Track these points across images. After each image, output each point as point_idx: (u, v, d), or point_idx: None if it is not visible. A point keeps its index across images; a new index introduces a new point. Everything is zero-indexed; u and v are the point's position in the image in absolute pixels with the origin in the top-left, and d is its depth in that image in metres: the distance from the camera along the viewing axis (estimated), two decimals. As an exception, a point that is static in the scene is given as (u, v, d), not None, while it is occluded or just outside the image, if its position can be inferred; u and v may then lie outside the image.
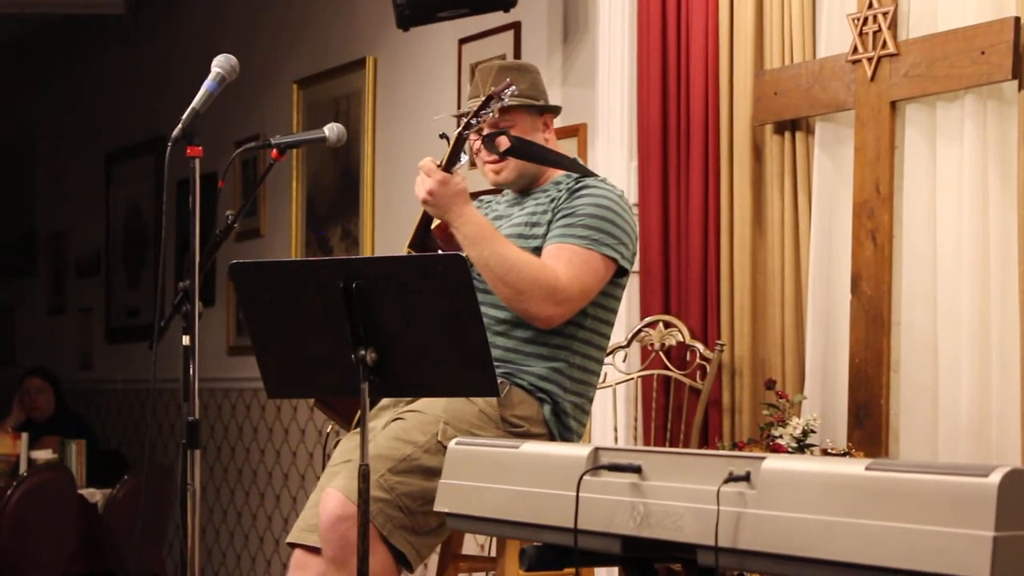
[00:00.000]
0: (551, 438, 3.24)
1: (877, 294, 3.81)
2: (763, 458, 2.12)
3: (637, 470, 2.28)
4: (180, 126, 2.84)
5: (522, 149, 3.31)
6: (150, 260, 7.89)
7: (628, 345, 4.43)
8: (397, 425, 3.18)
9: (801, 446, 3.77)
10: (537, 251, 3.25)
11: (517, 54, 5.04)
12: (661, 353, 4.36)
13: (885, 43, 3.81)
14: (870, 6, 3.85)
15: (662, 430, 4.38)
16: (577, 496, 2.31)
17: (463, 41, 5.35)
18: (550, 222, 3.28)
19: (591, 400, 3.37)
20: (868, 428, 3.79)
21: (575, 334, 3.28)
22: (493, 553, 3.48)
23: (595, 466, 2.34)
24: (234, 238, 6.52)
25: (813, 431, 3.80)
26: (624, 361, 4.45)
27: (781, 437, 3.79)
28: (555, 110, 3.49)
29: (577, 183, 3.31)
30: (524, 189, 3.43)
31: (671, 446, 4.27)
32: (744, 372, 4.19)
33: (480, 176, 3.54)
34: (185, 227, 2.85)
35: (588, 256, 3.21)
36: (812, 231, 4.03)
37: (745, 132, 4.23)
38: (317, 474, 5.09)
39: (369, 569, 2.70)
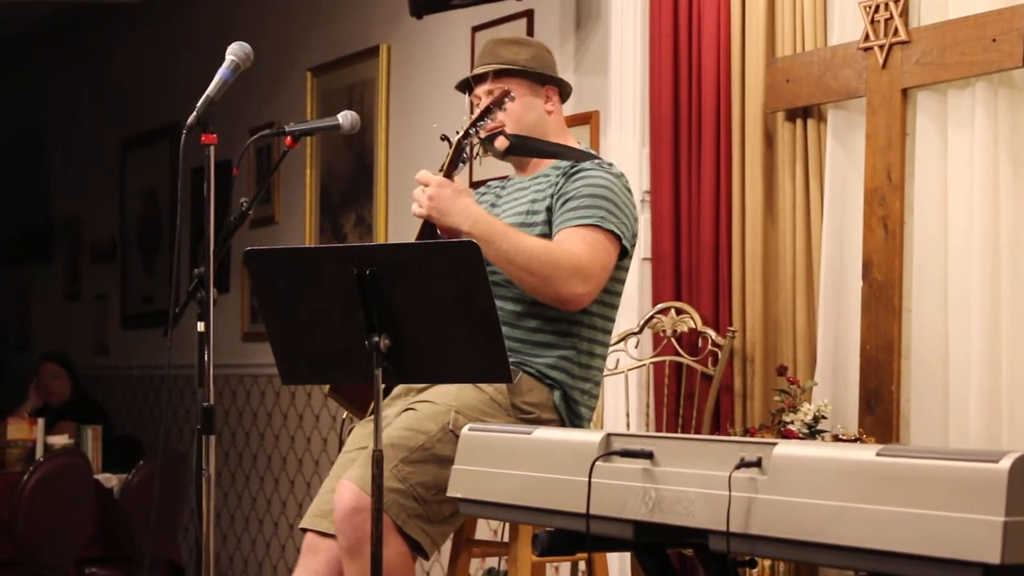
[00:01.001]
0: (562, 424, 3.25)
1: (888, 281, 3.82)
2: (774, 444, 2.13)
3: (649, 456, 2.29)
4: (195, 113, 2.85)
5: (520, 146, 3.33)
6: (165, 247, 7.91)
7: (640, 331, 4.45)
8: (409, 415, 3.19)
9: (812, 432, 3.78)
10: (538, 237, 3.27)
11: (530, 42, 5.04)
12: (673, 339, 4.37)
13: (897, 30, 3.81)
14: (882, -7, 3.85)
15: (674, 416, 4.39)
16: (589, 482, 2.32)
17: (476, 29, 5.36)
18: (549, 208, 3.30)
19: (599, 384, 3.39)
20: (879, 414, 3.80)
21: (582, 320, 3.29)
22: (506, 538, 3.50)
23: (607, 452, 2.35)
24: (248, 225, 6.47)
25: (824, 417, 3.81)
26: (636, 347, 4.46)
27: (792, 423, 3.80)
28: (558, 83, 3.48)
29: (573, 167, 3.32)
30: (523, 166, 3.45)
31: (683, 432, 4.28)
32: (756, 358, 4.20)
33: (482, 172, 3.56)
34: (200, 214, 2.87)
35: (598, 234, 3.22)
36: (824, 218, 4.03)
37: (757, 119, 4.23)
38: (331, 459, 5.11)
39: (385, 559, 2.72)
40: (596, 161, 3.37)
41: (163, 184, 7.93)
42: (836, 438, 3.75)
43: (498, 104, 3.23)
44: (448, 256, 2.72)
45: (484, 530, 4.81)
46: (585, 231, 3.22)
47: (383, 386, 2.75)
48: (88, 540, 5.78)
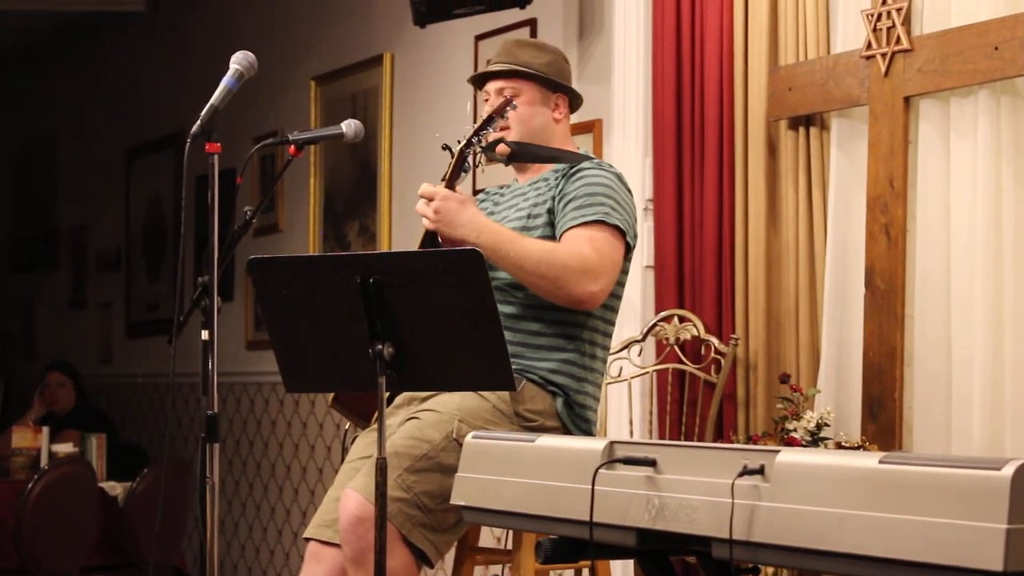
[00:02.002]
0: (565, 431, 3.26)
1: (891, 288, 3.82)
2: (777, 451, 2.13)
3: (652, 463, 2.30)
4: (199, 122, 2.86)
5: (521, 152, 3.33)
6: (169, 255, 7.92)
7: (643, 339, 4.45)
8: (412, 424, 3.19)
9: (815, 439, 3.78)
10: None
11: (533, 51, 5.05)
12: (676, 347, 4.37)
13: (899, 39, 3.82)
14: (884, 2, 3.86)
15: (677, 424, 4.39)
16: (593, 489, 2.33)
17: (479, 38, 5.37)
18: (550, 210, 3.30)
19: (600, 386, 3.39)
20: (882, 421, 3.80)
21: (584, 322, 3.30)
22: (509, 546, 3.50)
23: (610, 459, 2.36)
24: (252, 233, 6.55)
25: (827, 424, 3.81)
26: (639, 355, 4.46)
27: (795, 430, 3.80)
28: (570, 92, 3.49)
29: (571, 168, 3.33)
30: (524, 172, 3.47)
31: (686, 440, 4.28)
32: (758, 366, 4.20)
33: (484, 179, 3.57)
34: (204, 222, 2.88)
35: (604, 230, 3.23)
36: (827, 226, 4.04)
37: (760, 128, 4.24)
38: (334, 468, 5.12)
39: (390, 568, 2.72)
40: (595, 161, 3.38)
41: (168, 193, 7.94)
42: (839, 445, 3.75)
43: (500, 113, 3.25)
44: (451, 264, 2.73)
45: (488, 538, 4.82)
46: (591, 230, 3.22)
47: (386, 394, 2.76)
48: (92, 548, 5.78)
